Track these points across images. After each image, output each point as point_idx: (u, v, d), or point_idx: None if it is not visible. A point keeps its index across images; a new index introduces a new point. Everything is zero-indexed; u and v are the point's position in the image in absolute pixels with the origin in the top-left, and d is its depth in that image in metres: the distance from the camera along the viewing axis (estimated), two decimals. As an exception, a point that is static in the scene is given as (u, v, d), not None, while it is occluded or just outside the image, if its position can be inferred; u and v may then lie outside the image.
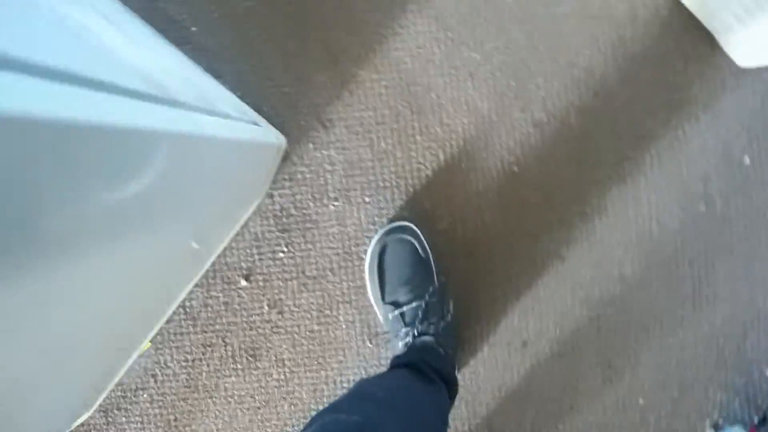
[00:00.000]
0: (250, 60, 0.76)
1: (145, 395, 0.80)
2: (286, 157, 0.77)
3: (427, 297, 0.71)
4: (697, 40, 0.76)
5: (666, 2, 0.76)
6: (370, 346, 0.78)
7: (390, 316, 0.72)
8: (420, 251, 0.74)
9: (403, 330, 0.71)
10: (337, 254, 0.78)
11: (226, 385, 0.80)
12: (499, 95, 0.76)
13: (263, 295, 0.79)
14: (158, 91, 0.42)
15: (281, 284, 0.79)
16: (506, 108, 0.76)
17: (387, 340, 0.78)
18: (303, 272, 0.79)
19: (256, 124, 0.66)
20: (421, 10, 0.76)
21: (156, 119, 0.33)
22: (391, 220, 0.77)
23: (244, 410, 0.81)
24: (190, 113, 0.44)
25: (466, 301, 0.78)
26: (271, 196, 0.77)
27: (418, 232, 0.74)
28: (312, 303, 0.79)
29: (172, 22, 0.75)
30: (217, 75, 0.75)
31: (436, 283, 0.73)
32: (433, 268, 0.74)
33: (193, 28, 0.76)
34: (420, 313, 0.70)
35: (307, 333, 0.80)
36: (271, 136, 0.67)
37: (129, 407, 0.81)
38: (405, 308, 0.71)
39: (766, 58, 0.72)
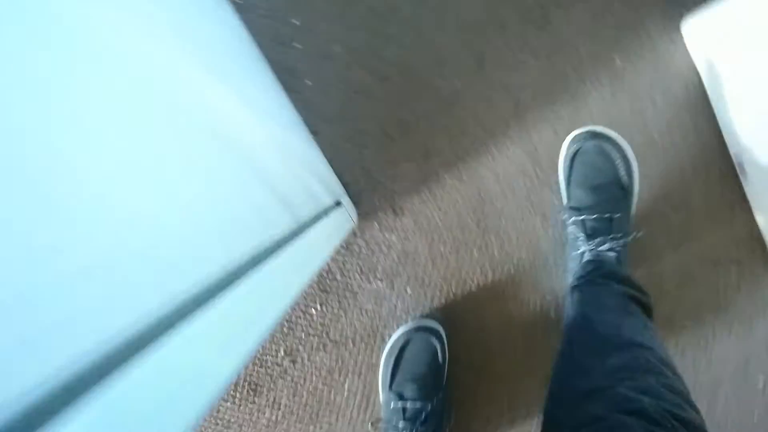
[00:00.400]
0: (349, 128, 0.79)
1: (143, 390, 0.84)
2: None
3: (434, 401, 0.75)
4: (759, 263, 0.80)
5: (746, 228, 0.79)
6: (370, 431, 0.82)
7: (392, 404, 0.76)
8: (440, 357, 0.77)
9: (401, 424, 0.74)
10: (364, 328, 0.82)
11: (220, 407, 0.84)
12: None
13: (283, 341, 0.83)
14: (285, 211, 0.45)
15: (303, 336, 0.83)
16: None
17: (384, 430, 0.82)
18: (327, 333, 0.82)
19: (339, 203, 0.69)
20: (521, 140, 0.79)
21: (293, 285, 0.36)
22: (423, 317, 0.81)
23: (228, 435, 0.84)
24: (307, 235, 0.47)
25: (463, 410, 0.82)
26: (323, 257, 0.81)
27: (444, 339, 0.78)
28: (325, 363, 0.83)
29: (290, 70, 0.78)
30: (314, 131, 0.78)
31: (445, 390, 0.77)
32: (445, 376, 0.78)
33: (308, 82, 0.78)
34: (423, 415, 0.74)
35: (311, 388, 0.83)
36: (349, 221, 0.70)
37: (125, 395, 0.84)
38: (408, 404, 0.75)
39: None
